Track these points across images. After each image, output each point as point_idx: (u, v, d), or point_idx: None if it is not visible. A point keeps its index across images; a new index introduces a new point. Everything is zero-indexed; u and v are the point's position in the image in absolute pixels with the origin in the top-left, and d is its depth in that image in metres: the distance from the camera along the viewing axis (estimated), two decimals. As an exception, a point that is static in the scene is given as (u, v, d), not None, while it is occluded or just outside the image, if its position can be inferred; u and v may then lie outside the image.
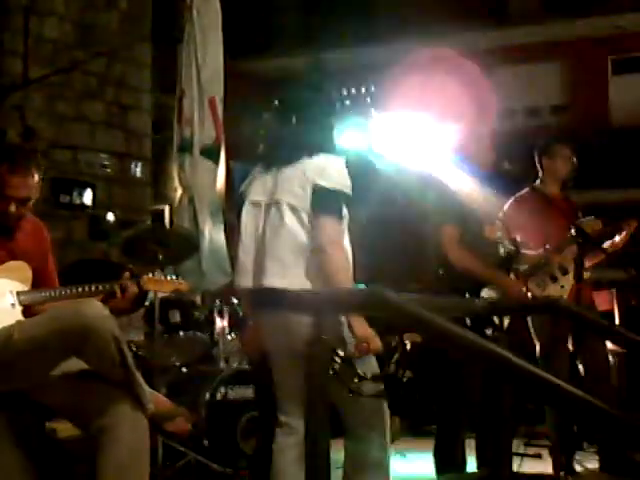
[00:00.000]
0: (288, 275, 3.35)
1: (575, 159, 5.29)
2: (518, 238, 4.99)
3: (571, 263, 4.96)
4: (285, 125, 3.54)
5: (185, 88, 6.29)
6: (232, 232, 4.47)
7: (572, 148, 5.34)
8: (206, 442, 4.97)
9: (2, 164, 3.45)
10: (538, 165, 5.37)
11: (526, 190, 5.33)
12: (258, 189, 3.55)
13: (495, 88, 15.02)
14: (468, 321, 3.60)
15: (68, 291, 3.55)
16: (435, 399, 4.79)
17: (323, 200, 3.35)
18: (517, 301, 4.01)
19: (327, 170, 3.38)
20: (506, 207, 5.10)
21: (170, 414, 3.46)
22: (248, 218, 3.54)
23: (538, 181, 5.37)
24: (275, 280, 3.36)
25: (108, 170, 7.23)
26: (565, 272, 5.06)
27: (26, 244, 3.59)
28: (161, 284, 3.89)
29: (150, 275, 3.80)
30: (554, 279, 5.05)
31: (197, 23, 6.27)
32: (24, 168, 3.48)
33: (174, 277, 4.05)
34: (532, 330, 5.08)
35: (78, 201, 6.94)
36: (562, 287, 5.04)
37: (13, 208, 3.48)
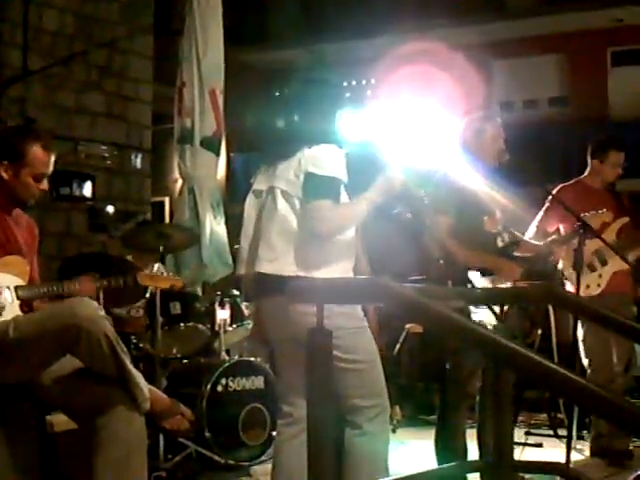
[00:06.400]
0: (278, 261, 3.37)
1: (622, 167, 5.42)
2: (561, 227, 5.22)
3: (610, 254, 5.08)
4: (288, 120, 3.56)
5: (186, 80, 6.30)
6: (233, 223, 4.50)
7: (623, 154, 5.44)
8: (207, 434, 4.98)
9: (35, 143, 3.49)
10: (588, 160, 5.46)
11: (571, 181, 5.43)
12: (261, 179, 3.59)
13: (494, 81, 15.02)
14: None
15: (65, 287, 3.56)
16: (437, 389, 4.79)
17: (314, 186, 3.38)
18: (512, 289, 4.01)
19: (320, 158, 3.40)
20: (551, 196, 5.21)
21: (168, 412, 3.47)
22: (250, 207, 3.59)
23: (585, 173, 5.48)
24: (265, 265, 3.38)
25: (108, 162, 7.23)
26: (604, 263, 5.21)
27: (22, 239, 3.59)
28: (157, 280, 3.91)
29: (146, 271, 3.82)
30: (592, 269, 5.22)
31: (198, 15, 6.27)
32: (52, 145, 3.56)
33: (170, 273, 4.08)
34: None
35: (78, 193, 6.95)
36: (600, 276, 5.20)
37: (46, 186, 3.53)
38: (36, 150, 3.49)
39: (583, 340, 5.25)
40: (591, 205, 5.17)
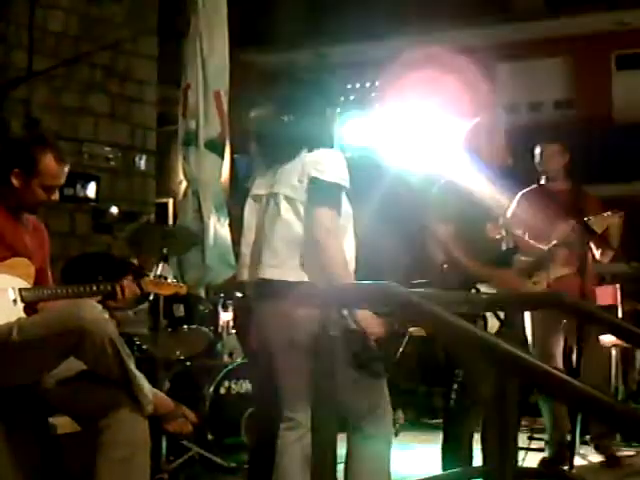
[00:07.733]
0: (282, 266, 3.37)
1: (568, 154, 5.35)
2: (524, 233, 5.10)
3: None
4: (282, 122, 3.54)
5: (190, 81, 6.29)
6: (236, 225, 4.49)
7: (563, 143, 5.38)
8: (210, 436, 4.98)
9: (49, 154, 3.47)
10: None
11: (532, 186, 5.39)
12: (260, 184, 3.57)
13: (498, 83, 15.02)
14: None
15: (69, 290, 3.55)
16: (439, 393, 4.77)
17: (318, 192, 3.37)
18: (520, 295, 4.00)
19: (324, 163, 3.39)
20: (513, 203, 5.14)
21: (171, 414, 3.47)
22: (250, 212, 3.58)
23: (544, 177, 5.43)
24: (269, 271, 3.38)
25: (112, 163, 7.24)
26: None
27: (29, 242, 3.59)
28: (161, 286, 3.90)
29: (151, 277, 3.82)
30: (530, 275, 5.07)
31: (203, 16, 6.27)
32: (64, 156, 3.54)
33: (174, 279, 4.07)
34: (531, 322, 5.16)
35: (82, 194, 6.95)
36: (535, 283, 4.98)
37: (57, 196, 3.52)
38: (49, 161, 3.46)
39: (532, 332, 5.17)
40: (554, 208, 5.05)
